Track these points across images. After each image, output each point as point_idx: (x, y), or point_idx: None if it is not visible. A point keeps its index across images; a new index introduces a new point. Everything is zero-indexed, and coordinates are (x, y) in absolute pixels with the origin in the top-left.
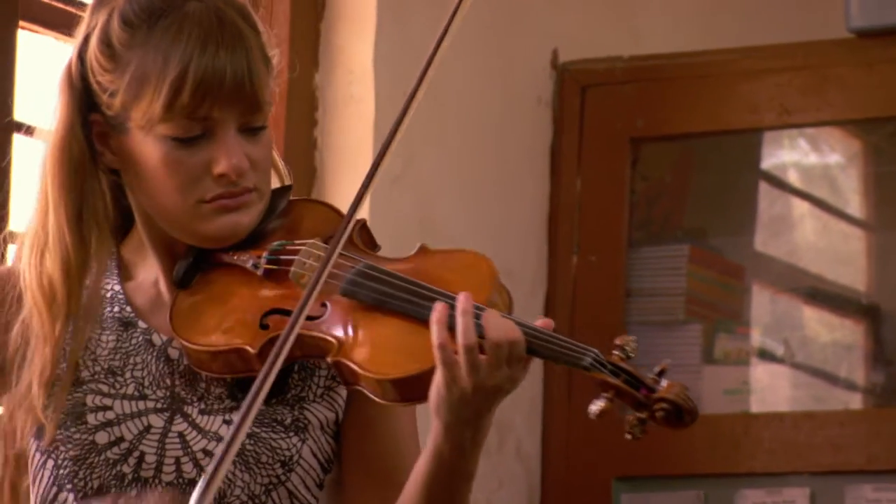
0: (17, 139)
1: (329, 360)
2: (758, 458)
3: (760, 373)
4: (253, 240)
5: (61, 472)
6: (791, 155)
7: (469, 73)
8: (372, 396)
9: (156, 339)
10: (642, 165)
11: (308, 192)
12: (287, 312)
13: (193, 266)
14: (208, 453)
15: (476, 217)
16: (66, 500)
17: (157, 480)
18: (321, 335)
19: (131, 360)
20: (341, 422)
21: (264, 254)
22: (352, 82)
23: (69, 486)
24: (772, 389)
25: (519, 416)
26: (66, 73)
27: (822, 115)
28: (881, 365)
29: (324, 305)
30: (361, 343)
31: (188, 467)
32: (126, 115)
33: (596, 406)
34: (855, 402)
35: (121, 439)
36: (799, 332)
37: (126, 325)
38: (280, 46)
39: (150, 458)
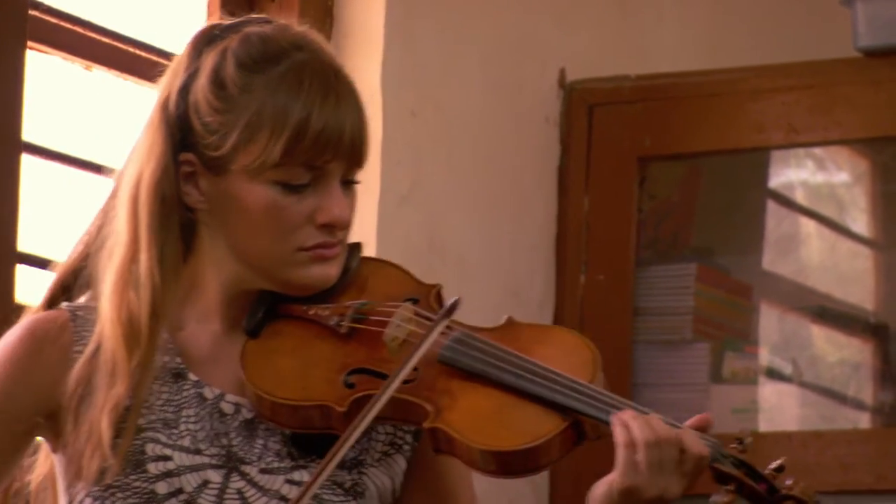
0: (26, 159)
1: (425, 426)
2: None
3: (768, 392)
4: (323, 295)
5: None
6: (798, 174)
7: (476, 92)
8: (466, 465)
9: (207, 392)
10: (650, 184)
11: None
12: (373, 373)
13: (266, 315)
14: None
15: (484, 236)
16: None
17: None
18: (416, 400)
19: (184, 413)
20: (397, 493)
21: (349, 312)
22: None
23: None
24: (780, 408)
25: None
26: (162, 111)
27: (830, 134)
28: (889, 384)
29: (415, 370)
30: (461, 411)
31: None
32: (233, 157)
33: (719, 497)
34: (863, 421)
35: (180, 491)
36: (807, 350)
37: (176, 376)
38: None
39: None
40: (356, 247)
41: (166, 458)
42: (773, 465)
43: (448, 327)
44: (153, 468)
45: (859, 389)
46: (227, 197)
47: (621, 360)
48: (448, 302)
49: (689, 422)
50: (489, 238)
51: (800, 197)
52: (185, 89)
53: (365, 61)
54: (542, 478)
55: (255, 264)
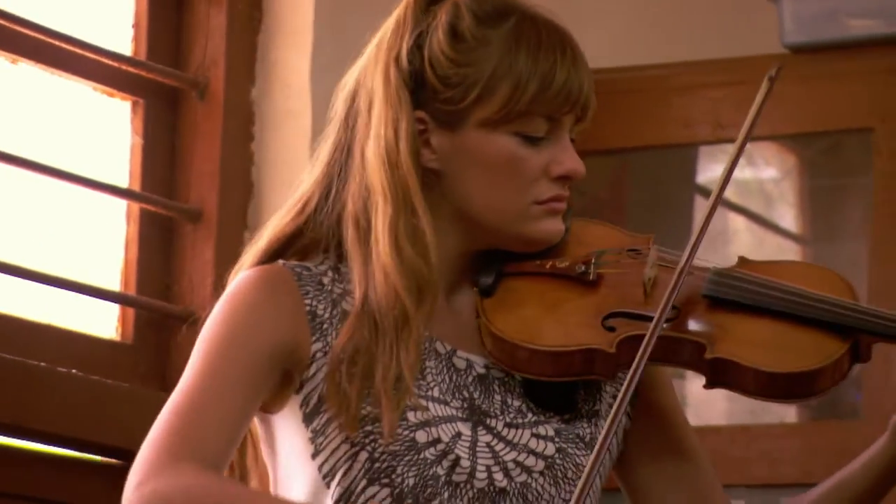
0: None
1: (707, 356)
2: None
3: (696, 386)
4: (546, 252)
5: (376, 465)
6: None
7: None
8: (745, 394)
9: (439, 347)
10: (579, 180)
11: (244, 207)
12: (631, 315)
13: (498, 276)
14: (520, 465)
15: None
16: (375, 494)
17: (469, 486)
18: (687, 336)
19: (426, 364)
20: (620, 445)
21: (592, 260)
22: (289, 97)
23: (385, 481)
24: (708, 403)
25: None
26: (396, 72)
27: (757, 129)
28: None
29: (676, 309)
30: (739, 341)
31: (499, 476)
32: (471, 110)
33: None
34: (790, 415)
35: (437, 440)
36: None
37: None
38: (216, 60)
39: (465, 463)
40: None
41: (422, 409)
42: None
43: (698, 266)
44: (412, 416)
45: None
46: (463, 151)
47: None
48: (692, 243)
49: None
50: None
51: (728, 192)
52: (417, 46)
53: (294, 54)
54: None
55: (488, 220)
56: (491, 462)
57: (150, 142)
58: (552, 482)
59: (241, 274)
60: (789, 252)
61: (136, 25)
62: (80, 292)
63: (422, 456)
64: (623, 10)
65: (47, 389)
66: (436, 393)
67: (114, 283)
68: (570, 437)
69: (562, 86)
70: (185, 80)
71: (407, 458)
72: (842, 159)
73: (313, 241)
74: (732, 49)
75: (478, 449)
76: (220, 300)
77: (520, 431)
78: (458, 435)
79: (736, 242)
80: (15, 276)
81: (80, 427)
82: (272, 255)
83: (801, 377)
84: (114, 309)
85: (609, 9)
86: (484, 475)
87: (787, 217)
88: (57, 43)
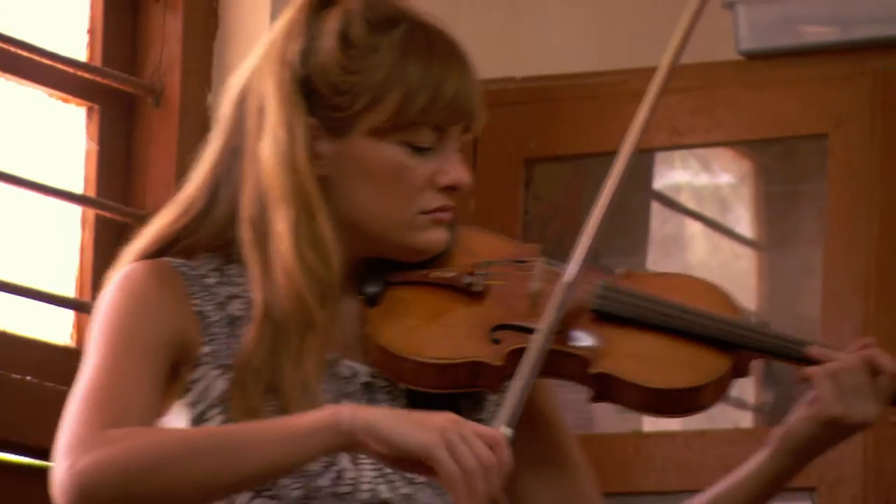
0: None
1: (590, 372)
2: (649, 477)
3: None
4: (432, 261)
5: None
6: (683, 175)
7: None
8: (630, 408)
9: (325, 354)
10: (536, 186)
11: None
12: (517, 327)
13: (384, 284)
14: (403, 476)
15: None
16: None
17: (353, 498)
18: (569, 350)
19: (330, 371)
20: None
21: (475, 271)
22: None
23: (270, 493)
24: None
25: None
26: (289, 79)
27: (713, 135)
28: (771, 384)
29: (563, 323)
30: (624, 356)
31: (383, 487)
32: (360, 117)
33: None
34: (745, 420)
35: None
36: None
37: None
38: (172, 66)
39: (350, 475)
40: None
41: None
42: None
43: (588, 278)
44: None
45: (741, 389)
46: (350, 159)
47: None
48: (575, 254)
49: (857, 346)
50: None
51: (684, 198)
52: (306, 52)
53: None
54: None
55: (373, 228)
56: (375, 473)
57: (106, 147)
58: (437, 493)
59: (127, 267)
60: (744, 258)
61: (92, 31)
62: (35, 298)
63: (306, 467)
64: (578, 17)
65: (1, 396)
66: (322, 403)
67: (69, 290)
68: None
69: (452, 97)
70: (141, 85)
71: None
72: (796, 165)
73: (197, 243)
74: (688, 55)
75: (361, 458)
76: (107, 292)
77: None
78: None
79: (692, 248)
80: None
81: (34, 434)
82: (153, 254)
83: (684, 393)
84: (69, 315)
85: (564, 15)
86: (368, 487)
87: (743, 222)
88: (11, 48)
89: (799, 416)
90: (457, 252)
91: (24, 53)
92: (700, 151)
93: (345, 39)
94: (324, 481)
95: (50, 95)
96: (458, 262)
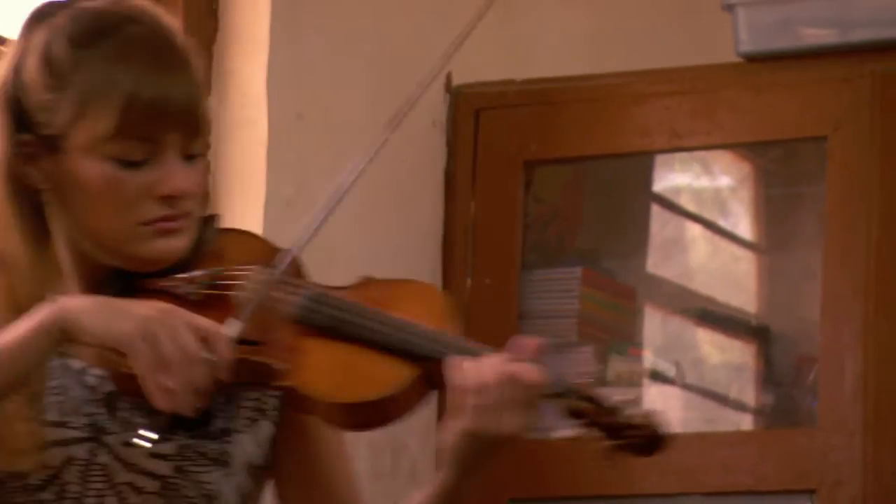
0: None
1: (278, 385)
2: (649, 480)
3: (653, 394)
4: (181, 267)
5: None
6: (682, 178)
7: (363, 95)
8: (323, 422)
9: (72, 363)
10: (536, 188)
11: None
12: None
13: (119, 293)
14: (133, 487)
15: (370, 240)
16: None
17: None
18: (266, 360)
19: (49, 385)
20: (263, 461)
21: (199, 280)
22: (245, 105)
23: None
24: (664, 410)
25: (413, 437)
26: None
27: (712, 138)
28: (771, 386)
29: (269, 331)
30: (314, 368)
31: (112, 500)
32: (66, 134)
33: (566, 432)
34: (745, 423)
35: (45, 466)
36: (690, 353)
37: None
38: None
39: (74, 489)
40: (211, 218)
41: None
42: (624, 399)
43: (300, 286)
44: None
45: (741, 391)
46: (66, 175)
47: None
48: (281, 259)
49: (515, 351)
50: (375, 242)
51: (684, 201)
52: (17, 69)
53: (250, 64)
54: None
55: (101, 242)
56: (103, 485)
57: None
58: (167, 501)
59: None
60: (744, 260)
61: None
62: None
63: (28, 482)
64: (579, 20)
65: None
66: (54, 416)
67: None
68: (192, 454)
69: (145, 106)
70: None
71: (12, 485)
72: (796, 168)
73: None
74: (688, 58)
75: (90, 472)
76: None
77: (136, 451)
78: (70, 459)
79: (692, 251)
80: None
81: None
82: None
83: (365, 407)
84: None
85: (563, 18)
86: (93, 501)
87: (742, 225)
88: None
89: (446, 428)
90: (208, 258)
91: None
92: (700, 154)
93: (46, 57)
94: (47, 495)
95: None
96: (206, 268)
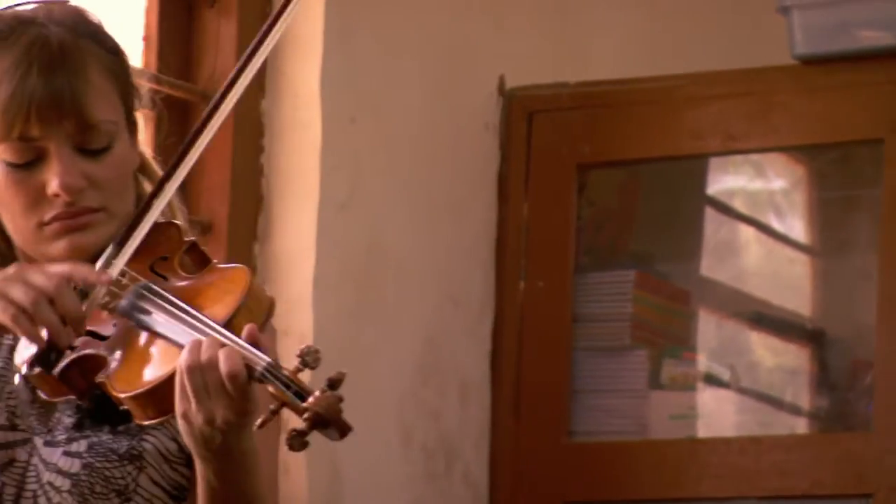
0: None
1: (97, 380)
2: (704, 483)
3: (707, 398)
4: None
5: None
6: (736, 181)
7: (416, 98)
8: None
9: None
10: (589, 191)
11: (254, 219)
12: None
13: None
14: (53, 486)
15: (423, 243)
16: None
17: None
18: (97, 353)
19: (6, 389)
20: (187, 447)
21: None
22: (298, 108)
23: None
24: (718, 414)
25: (467, 440)
26: None
27: (767, 141)
28: (826, 390)
29: (114, 326)
30: (122, 363)
31: (42, 500)
32: None
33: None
34: (800, 426)
35: None
36: (745, 357)
37: (11, 349)
38: (227, 72)
39: (10, 490)
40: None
41: None
42: (329, 378)
43: (136, 280)
44: None
45: (796, 395)
46: None
47: (560, 367)
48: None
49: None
50: (428, 244)
51: (737, 203)
52: None
53: (304, 67)
54: (482, 483)
55: (19, 243)
56: (35, 487)
57: (161, 154)
58: (80, 500)
59: None
60: (798, 263)
61: (147, 38)
62: None
63: None
64: (633, 22)
65: None
66: (3, 419)
67: None
68: (103, 451)
69: (15, 108)
70: (196, 92)
71: None
72: (852, 171)
73: None
74: (743, 60)
75: (27, 474)
76: None
77: (55, 450)
78: (12, 462)
79: (745, 254)
80: None
81: None
82: None
83: (145, 396)
84: None
85: (619, 20)
86: (28, 502)
87: (797, 228)
88: None
89: None
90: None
91: None
92: (754, 157)
93: None
94: None
95: None
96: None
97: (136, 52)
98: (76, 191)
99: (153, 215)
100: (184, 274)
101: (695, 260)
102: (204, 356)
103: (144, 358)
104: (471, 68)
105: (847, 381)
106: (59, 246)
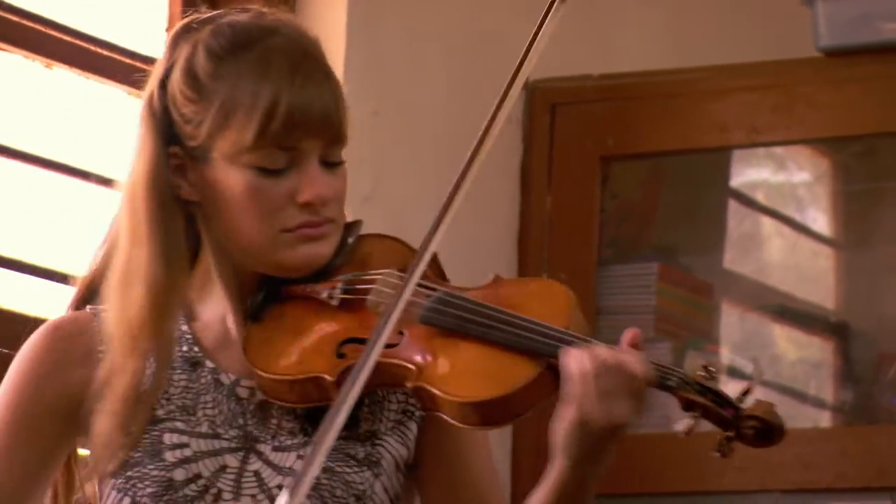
0: None
1: (409, 385)
2: (728, 476)
3: (730, 390)
4: (325, 273)
5: None
6: (760, 173)
7: (439, 91)
8: (451, 421)
9: (224, 378)
10: (612, 183)
11: None
12: (363, 341)
13: (265, 299)
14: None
15: (447, 235)
16: None
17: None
18: (399, 362)
19: (202, 399)
20: (412, 459)
21: (339, 284)
22: None
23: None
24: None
25: (490, 435)
26: (147, 107)
27: (791, 133)
28: (850, 383)
29: (401, 333)
30: (441, 368)
31: None
32: (211, 145)
33: (682, 424)
34: (824, 419)
35: (198, 476)
36: (768, 349)
37: (194, 364)
38: None
39: (227, 496)
40: (355, 224)
41: (183, 446)
42: (742, 388)
43: (430, 288)
44: (170, 456)
45: (820, 388)
46: (212, 185)
47: None
48: (415, 264)
49: (623, 340)
50: (451, 237)
51: (761, 196)
52: (163, 83)
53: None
54: (504, 477)
55: (247, 249)
56: (256, 491)
57: None
58: (319, 502)
59: (49, 321)
60: (822, 256)
61: (170, 29)
62: None
63: (181, 493)
64: (656, 14)
65: None
66: (205, 428)
67: None
68: (341, 455)
69: (285, 114)
70: None
71: (166, 497)
72: (876, 163)
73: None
74: (767, 53)
75: (243, 480)
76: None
77: (286, 455)
78: (223, 468)
79: (769, 246)
80: (46, 278)
81: None
82: (82, 300)
83: (488, 404)
84: None
85: (641, 13)
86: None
87: (820, 221)
88: (91, 47)
89: (557, 417)
90: (351, 263)
91: (104, 52)
92: (778, 149)
93: (188, 69)
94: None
95: (129, 94)
96: (343, 274)
97: (159, 43)
98: (326, 201)
99: (442, 229)
100: (452, 285)
101: (718, 252)
102: (612, 360)
103: (474, 365)
104: (494, 61)
105: (871, 374)
106: (300, 253)
